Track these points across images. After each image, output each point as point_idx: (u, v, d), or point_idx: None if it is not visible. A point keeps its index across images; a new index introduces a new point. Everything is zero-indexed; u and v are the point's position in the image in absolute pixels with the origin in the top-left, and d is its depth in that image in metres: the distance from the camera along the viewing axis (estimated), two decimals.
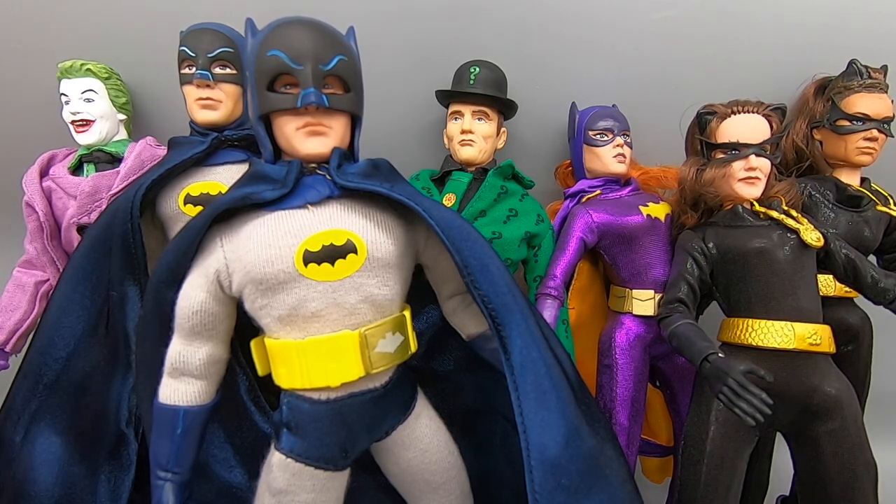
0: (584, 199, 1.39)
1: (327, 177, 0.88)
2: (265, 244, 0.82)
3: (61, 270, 1.22)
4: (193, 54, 1.15)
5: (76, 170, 1.33)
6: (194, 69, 1.15)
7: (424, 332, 1.08)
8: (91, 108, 1.31)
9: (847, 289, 1.34)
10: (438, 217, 0.87)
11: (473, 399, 1.12)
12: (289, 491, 0.86)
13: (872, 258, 1.43)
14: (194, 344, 0.86)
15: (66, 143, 1.35)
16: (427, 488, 0.99)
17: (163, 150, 1.33)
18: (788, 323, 1.08)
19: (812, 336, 1.08)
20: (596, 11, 1.46)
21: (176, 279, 0.86)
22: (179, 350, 0.86)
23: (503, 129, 1.38)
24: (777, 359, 1.08)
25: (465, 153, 1.31)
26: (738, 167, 1.17)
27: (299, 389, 0.86)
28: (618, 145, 1.36)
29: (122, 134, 1.38)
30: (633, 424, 1.30)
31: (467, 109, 1.31)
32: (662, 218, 1.35)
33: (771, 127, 1.19)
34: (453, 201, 1.30)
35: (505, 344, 0.86)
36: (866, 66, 1.34)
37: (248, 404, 1.06)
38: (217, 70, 1.16)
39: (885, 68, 1.35)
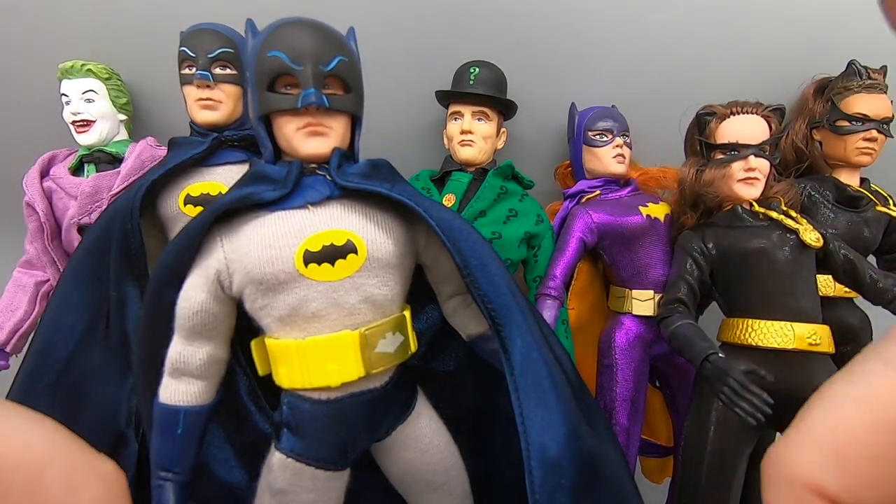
0: (583, 200, 1.39)
1: (327, 177, 0.88)
2: (266, 244, 0.82)
3: (61, 271, 1.22)
4: (194, 55, 1.15)
5: (77, 170, 1.33)
6: (194, 69, 1.15)
7: (424, 333, 1.08)
8: (92, 109, 1.31)
9: (847, 289, 1.34)
10: (438, 217, 0.87)
11: (473, 399, 1.12)
12: (289, 490, 0.86)
13: (872, 258, 1.43)
14: (195, 344, 0.86)
15: (66, 143, 1.35)
16: (427, 488, 0.99)
17: (163, 151, 1.32)
18: (788, 323, 1.08)
19: (811, 336, 1.08)
20: (596, 12, 1.46)
21: (176, 279, 0.85)
22: (180, 350, 0.86)
23: (503, 130, 1.38)
24: (777, 359, 1.08)
25: (465, 153, 1.31)
26: (737, 168, 1.17)
27: (300, 389, 0.86)
28: (617, 146, 1.36)
29: (123, 134, 1.38)
30: (633, 424, 1.30)
31: (467, 110, 1.31)
32: (662, 218, 1.35)
33: (770, 127, 1.19)
34: (453, 201, 1.30)
35: (505, 344, 0.86)
36: (866, 67, 1.33)
37: (249, 404, 1.06)
38: (217, 70, 1.16)
39: (884, 69, 1.35)
